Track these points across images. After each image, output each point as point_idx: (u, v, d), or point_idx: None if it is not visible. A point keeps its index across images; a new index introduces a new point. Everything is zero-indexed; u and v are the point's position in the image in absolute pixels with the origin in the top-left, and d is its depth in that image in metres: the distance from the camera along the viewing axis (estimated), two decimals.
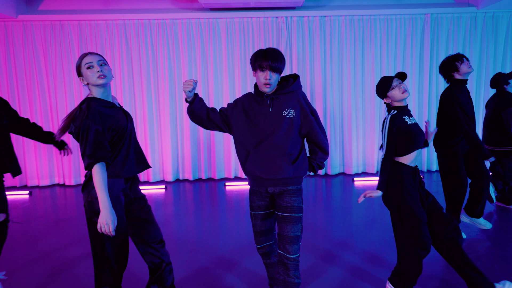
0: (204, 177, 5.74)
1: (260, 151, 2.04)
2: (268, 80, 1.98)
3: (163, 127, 5.62)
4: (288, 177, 2.04)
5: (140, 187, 2.23)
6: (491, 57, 5.53)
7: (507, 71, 5.58)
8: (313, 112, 2.11)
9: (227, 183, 5.45)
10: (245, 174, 2.13)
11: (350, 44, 5.52)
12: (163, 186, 5.41)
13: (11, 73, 5.39)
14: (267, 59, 1.96)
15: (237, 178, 5.73)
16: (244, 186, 5.37)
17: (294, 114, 2.03)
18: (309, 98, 5.52)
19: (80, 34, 5.39)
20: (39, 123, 5.43)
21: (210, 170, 5.80)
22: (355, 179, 5.44)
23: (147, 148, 5.61)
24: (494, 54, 5.55)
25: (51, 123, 5.52)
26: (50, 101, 5.49)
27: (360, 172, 5.74)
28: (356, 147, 5.71)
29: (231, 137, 5.56)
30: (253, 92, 2.16)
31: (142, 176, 5.75)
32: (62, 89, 5.43)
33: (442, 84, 5.58)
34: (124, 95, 5.50)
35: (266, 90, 2.03)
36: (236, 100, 2.18)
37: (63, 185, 5.63)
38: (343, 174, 5.77)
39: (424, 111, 5.63)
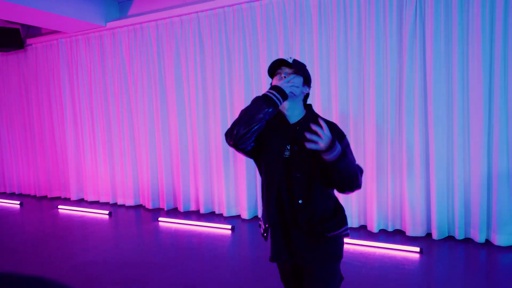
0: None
1: None
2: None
3: None
4: None
5: None
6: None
7: None
8: None
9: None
10: None
11: None
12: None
13: (105, 83, 5.47)
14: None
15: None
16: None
17: None
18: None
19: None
20: (125, 127, 5.41)
21: None
22: None
23: None
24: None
25: (135, 126, 5.33)
26: (133, 106, 5.30)
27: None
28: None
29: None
30: None
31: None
32: (142, 93, 5.17)
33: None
34: None
35: None
36: None
37: None
38: None
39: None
